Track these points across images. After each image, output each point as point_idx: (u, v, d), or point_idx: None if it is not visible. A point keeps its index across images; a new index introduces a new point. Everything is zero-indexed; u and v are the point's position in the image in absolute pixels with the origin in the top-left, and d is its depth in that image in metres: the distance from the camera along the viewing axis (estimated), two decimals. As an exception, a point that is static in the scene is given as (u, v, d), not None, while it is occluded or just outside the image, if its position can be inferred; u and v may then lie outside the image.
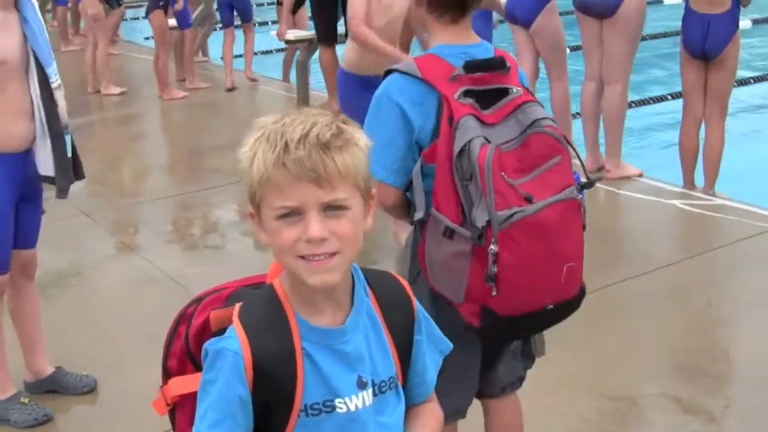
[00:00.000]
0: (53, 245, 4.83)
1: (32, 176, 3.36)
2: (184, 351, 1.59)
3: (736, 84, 6.96)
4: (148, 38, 11.73)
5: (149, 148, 7.96)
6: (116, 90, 9.42)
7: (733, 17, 5.53)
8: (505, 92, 2.29)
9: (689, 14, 5.64)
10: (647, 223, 5.47)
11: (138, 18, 14.00)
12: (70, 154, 3.40)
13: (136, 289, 4.71)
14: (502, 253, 2.15)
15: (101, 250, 5.31)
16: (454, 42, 2.37)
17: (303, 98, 8.37)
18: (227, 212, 6.02)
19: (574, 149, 2.27)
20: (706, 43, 5.55)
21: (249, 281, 1.62)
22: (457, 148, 2.19)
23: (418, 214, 2.29)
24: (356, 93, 4.32)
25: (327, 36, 7.47)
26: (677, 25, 5.97)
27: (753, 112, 9.06)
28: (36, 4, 3.37)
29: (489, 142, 2.17)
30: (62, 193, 3.43)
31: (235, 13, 9.32)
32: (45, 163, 3.33)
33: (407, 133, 2.33)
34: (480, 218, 2.16)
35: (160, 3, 8.81)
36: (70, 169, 3.42)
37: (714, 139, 5.73)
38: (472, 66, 2.28)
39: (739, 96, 8.95)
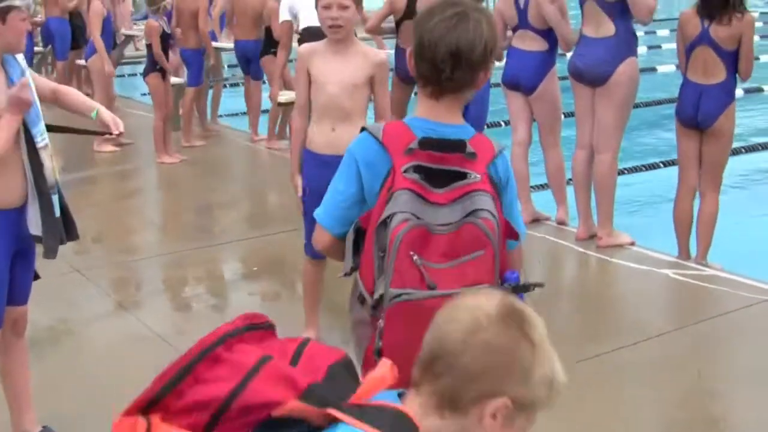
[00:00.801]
0: (45, 301, 4.82)
1: (26, 233, 3.39)
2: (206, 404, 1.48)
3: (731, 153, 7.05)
4: (144, 94, 11.80)
5: (143, 205, 8.00)
6: (109, 147, 9.46)
7: (726, 88, 5.60)
8: (463, 176, 2.32)
9: (685, 83, 5.73)
10: (638, 292, 5.49)
11: (136, 74, 14.10)
12: (58, 214, 3.43)
13: (127, 348, 4.70)
14: (385, 330, 2.25)
15: (93, 307, 5.31)
16: (430, 117, 2.41)
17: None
18: (221, 272, 6.04)
19: (496, 247, 2.31)
20: (698, 114, 5.63)
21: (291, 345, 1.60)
22: (381, 218, 2.28)
23: (345, 270, 2.41)
24: (312, 171, 4.32)
25: None
26: (672, 92, 6.07)
27: (746, 182, 9.12)
28: (23, 64, 3.40)
29: (419, 219, 2.24)
30: (49, 253, 3.44)
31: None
32: (34, 222, 3.37)
33: (356, 188, 2.42)
34: (377, 291, 2.26)
35: (157, 66, 8.89)
36: (59, 229, 3.44)
37: (708, 210, 5.78)
38: (425, 143, 2.33)
39: (732, 166, 9.06)
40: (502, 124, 9.60)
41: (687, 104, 5.69)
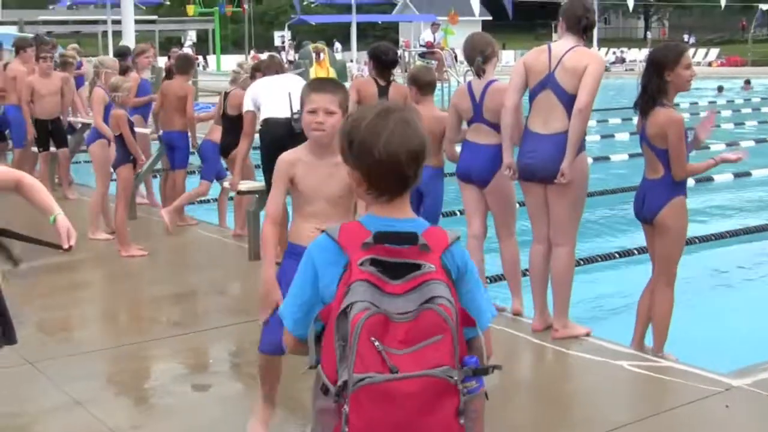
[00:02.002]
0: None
1: None
2: None
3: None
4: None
5: (100, 295, 7.95)
6: (103, 236, 9.44)
7: (667, 182, 5.67)
8: (417, 267, 2.44)
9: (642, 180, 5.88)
10: (595, 384, 5.54)
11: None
12: None
13: (79, 444, 4.64)
14: (351, 415, 2.34)
15: (45, 401, 5.24)
16: (383, 215, 2.55)
17: (255, 251, 8.42)
18: (173, 365, 6.00)
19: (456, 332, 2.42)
20: (644, 208, 5.76)
21: None
22: (340, 309, 2.39)
23: (310, 363, 2.51)
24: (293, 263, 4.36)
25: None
26: (626, 181, 6.20)
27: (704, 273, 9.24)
28: None
29: (377, 308, 2.36)
30: None
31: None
32: None
33: (314, 290, 2.54)
34: (341, 378, 2.37)
35: (130, 158, 8.87)
36: None
37: (661, 304, 5.84)
38: (380, 237, 2.46)
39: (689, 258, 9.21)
40: (458, 213, 9.70)
41: (637, 198, 5.84)
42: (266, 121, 7.84)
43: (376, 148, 2.48)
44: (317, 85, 4.32)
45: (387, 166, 2.49)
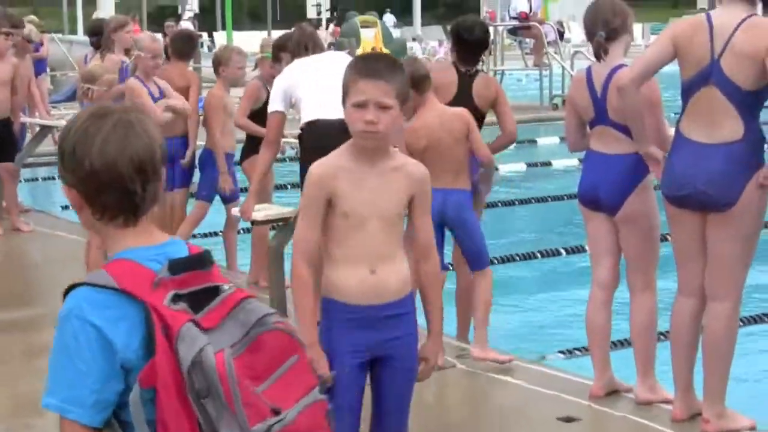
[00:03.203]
0: None
1: None
2: None
3: None
4: (66, 207, 11.82)
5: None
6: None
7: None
8: (215, 291, 2.64)
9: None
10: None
11: (54, 178, 14.09)
12: None
13: None
14: None
15: None
16: (143, 244, 2.70)
17: (279, 299, 8.41)
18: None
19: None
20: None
21: None
22: (187, 363, 2.49)
23: None
24: (343, 333, 4.35)
25: None
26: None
27: None
28: None
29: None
30: None
31: None
32: None
33: (107, 358, 2.58)
34: None
35: None
36: None
37: None
38: (177, 266, 2.62)
39: None
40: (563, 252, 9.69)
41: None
42: (312, 124, 7.50)
43: (87, 156, 2.61)
44: (366, 67, 4.29)
45: (105, 180, 2.62)
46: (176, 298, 2.57)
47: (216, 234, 11.11)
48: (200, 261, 2.67)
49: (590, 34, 6.48)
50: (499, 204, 13.43)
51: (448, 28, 7.84)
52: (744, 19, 5.73)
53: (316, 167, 4.31)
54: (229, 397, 2.47)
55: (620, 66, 6.26)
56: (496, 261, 10.90)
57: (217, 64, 9.71)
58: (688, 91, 5.92)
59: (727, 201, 5.78)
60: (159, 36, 11.87)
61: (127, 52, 11.28)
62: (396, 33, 41.22)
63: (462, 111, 7.23)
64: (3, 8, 14.49)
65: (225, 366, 2.48)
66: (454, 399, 7.10)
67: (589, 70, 6.50)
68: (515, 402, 6.79)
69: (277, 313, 2.64)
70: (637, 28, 56.64)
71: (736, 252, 5.89)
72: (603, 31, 6.31)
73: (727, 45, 5.73)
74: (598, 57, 6.40)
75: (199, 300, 2.60)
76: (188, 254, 2.69)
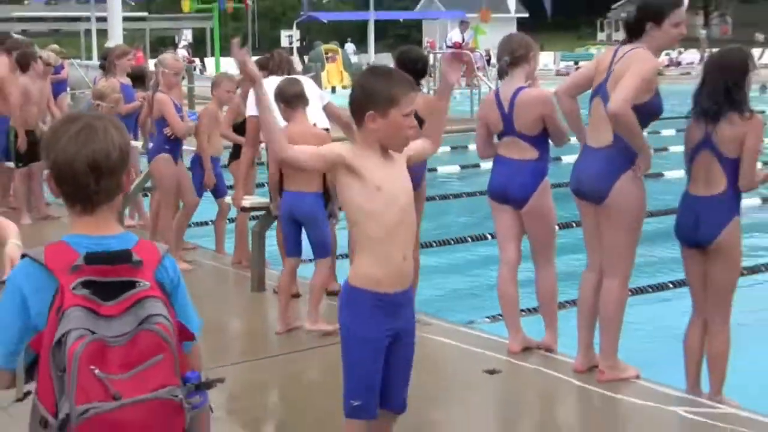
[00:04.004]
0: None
1: None
2: None
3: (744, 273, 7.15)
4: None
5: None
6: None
7: (728, 199, 5.77)
8: (131, 285, 2.62)
9: (684, 197, 5.93)
10: (646, 432, 5.55)
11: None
12: None
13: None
14: None
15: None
16: (88, 232, 2.72)
17: (258, 276, 8.45)
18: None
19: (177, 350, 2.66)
20: (699, 230, 5.79)
21: None
22: (55, 339, 2.52)
23: (18, 396, 2.66)
24: (380, 319, 4.13)
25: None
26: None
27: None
28: None
29: (94, 333, 2.52)
30: None
31: None
32: None
33: (24, 319, 2.65)
34: (62, 411, 2.51)
35: (166, 147, 9.08)
36: None
37: (718, 342, 5.88)
38: (92, 258, 2.61)
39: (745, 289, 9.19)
40: (489, 237, 9.73)
41: (684, 218, 5.88)
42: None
43: (54, 152, 2.68)
44: (409, 81, 4.14)
45: (65, 173, 2.67)
46: (87, 284, 2.57)
47: (207, 223, 11.09)
48: (116, 257, 2.64)
49: (499, 59, 6.64)
50: (437, 198, 13.59)
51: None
52: (626, 52, 5.84)
53: (340, 147, 4.09)
54: (69, 377, 2.49)
55: (521, 88, 6.42)
56: (434, 245, 11.00)
57: (212, 86, 9.72)
58: (589, 102, 6.05)
59: (600, 195, 5.90)
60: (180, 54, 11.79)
61: (130, 76, 11.28)
62: (354, 59, 41.11)
63: (320, 131, 7.32)
64: (17, 38, 14.39)
65: (74, 352, 2.49)
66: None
67: (497, 93, 6.59)
68: (450, 357, 6.82)
69: (161, 315, 2.61)
70: (549, 55, 56.91)
71: (620, 239, 5.96)
72: (507, 57, 6.45)
73: (611, 70, 5.86)
74: (501, 76, 6.59)
75: (112, 291, 2.59)
76: (111, 249, 2.65)
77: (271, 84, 7.82)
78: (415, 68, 7.26)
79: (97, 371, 2.49)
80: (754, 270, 9.91)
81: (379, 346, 4.09)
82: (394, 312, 4.09)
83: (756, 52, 55.25)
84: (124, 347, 2.55)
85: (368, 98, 3.99)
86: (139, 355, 2.56)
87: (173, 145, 9.30)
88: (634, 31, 5.91)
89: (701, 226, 5.77)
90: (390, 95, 3.95)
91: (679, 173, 13.27)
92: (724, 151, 5.70)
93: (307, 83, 7.88)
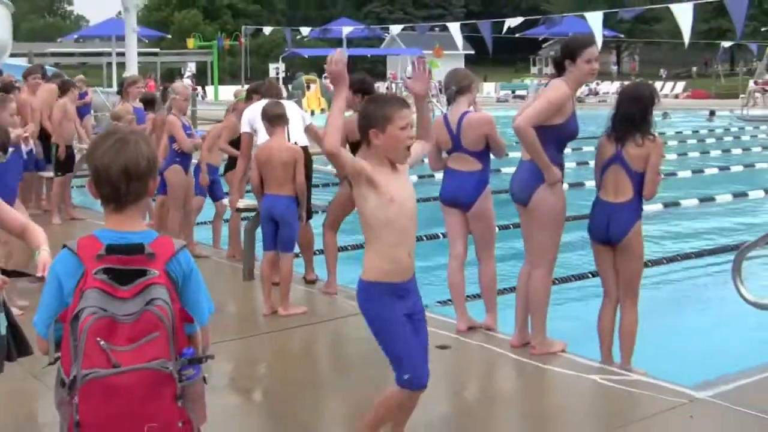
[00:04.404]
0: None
1: None
2: None
3: (650, 264, 7.19)
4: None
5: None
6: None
7: (634, 205, 5.79)
8: (143, 273, 2.67)
9: (596, 202, 5.93)
10: (569, 397, 5.56)
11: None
12: (3, 332, 3.44)
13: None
14: (80, 405, 2.58)
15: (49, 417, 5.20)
16: (116, 228, 2.77)
17: (249, 269, 8.42)
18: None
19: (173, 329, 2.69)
20: (609, 231, 5.80)
21: None
22: (74, 314, 2.62)
23: (50, 361, 2.74)
24: (395, 305, 4.02)
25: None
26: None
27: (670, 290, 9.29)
28: None
29: (105, 311, 2.59)
30: None
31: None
32: None
33: (59, 299, 2.72)
34: (72, 373, 2.60)
35: (177, 159, 9.01)
36: (3, 346, 3.44)
37: (627, 322, 5.91)
38: (111, 249, 2.68)
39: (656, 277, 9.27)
40: (440, 236, 9.72)
41: (596, 221, 5.89)
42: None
43: (94, 160, 2.73)
44: (401, 101, 4.06)
45: (102, 177, 2.72)
46: (107, 271, 2.65)
47: (206, 223, 11.00)
48: (132, 249, 2.68)
49: (446, 88, 6.64)
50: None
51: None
52: (546, 83, 5.92)
53: (363, 163, 3.97)
54: (78, 346, 2.58)
55: (467, 112, 6.45)
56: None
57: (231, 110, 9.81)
58: None
59: (524, 199, 5.95)
60: (186, 83, 11.74)
61: (142, 101, 11.19)
62: (330, 88, 41.00)
63: (294, 146, 7.38)
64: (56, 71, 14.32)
65: (84, 325, 2.57)
66: (355, 336, 7.08)
67: (445, 116, 6.59)
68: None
69: (161, 299, 2.64)
70: (491, 85, 57.12)
71: (542, 237, 6.00)
72: (454, 87, 6.46)
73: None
74: (449, 102, 6.59)
75: (128, 277, 2.65)
76: (128, 242, 2.71)
77: (261, 105, 7.88)
78: (362, 87, 7.50)
79: (102, 342, 2.56)
80: (656, 262, 9.98)
81: (404, 321, 3.99)
82: (405, 296, 4.00)
83: (658, 84, 56.04)
84: (131, 324, 2.61)
85: (369, 120, 3.98)
86: (141, 332, 2.61)
87: (183, 158, 9.25)
88: (559, 67, 5.95)
89: (611, 227, 5.79)
90: (384, 114, 3.93)
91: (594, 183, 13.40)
92: (632, 166, 5.73)
93: (290, 107, 7.97)
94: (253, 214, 8.49)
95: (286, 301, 7.25)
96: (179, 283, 2.76)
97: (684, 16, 18.64)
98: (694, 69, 66.43)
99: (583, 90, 53.55)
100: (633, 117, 5.73)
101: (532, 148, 5.78)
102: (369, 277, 4.02)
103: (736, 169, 19.47)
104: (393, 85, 33.56)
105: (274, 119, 7.23)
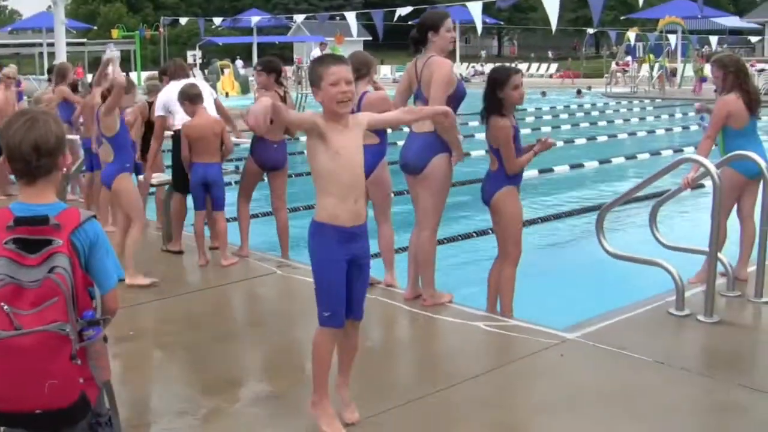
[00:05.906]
0: None
1: None
2: None
3: (526, 224, 7.29)
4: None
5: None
6: (145, 281, 6.88)
7: (500, 174, 5.83)
8: (48, 243, 2.63)
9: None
10: (456, 343, 5.62)
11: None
12: None
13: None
14: None
15: None
16: (28, 201, 2.74)
17: (167, 233, 8.27)
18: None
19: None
20: (483, 193, 5.91)
21: None
22: None
23: None
24: (342, 246, 3.90)
25: (183, 186, 7.73)
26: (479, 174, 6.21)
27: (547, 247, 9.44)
28: None
29: (12, 278, 2.57)
30: None
31: None
32: None
33: None
34: None
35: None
36: None
37: (506, 278, 6.01)
38: (19, 221, 2.65)
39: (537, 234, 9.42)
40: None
41: (482, 185, 5.99)
42: (183, 127, 7.48)
43: (6, 138, 2.71)
44: (332, 59, 3.89)
45: (15, 153, 2.70)
46: (17, 241, 2.61)
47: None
48: (38, 221, 2.64)
49: None
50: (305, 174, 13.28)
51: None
52: (425, 61, 5.91)
53: (316, 116, 3.85)
54: None
55: (366, 92, 6.38)
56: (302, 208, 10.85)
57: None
58: (414, 104, 6.00)
59: (419, 167, 5.95)
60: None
61: (70, 86, 10.75)
62: (242, 72, 40.41)
63: (217, 120, 7.55)
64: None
65: None
66: (266, 295, 7.00)
67: None
68: (311, 291, 6.76)
69: (61, 267, 2.61)
70: (387, 68, 57.03)
71: (430, 201, 6.01)
72: (354, 74, 6.36)
73: (420, 77, 5.94)
74: None
75: (36, 246, 2.62)
76: (36, 214, 2.66)
77: (174, 88, 7.69)
78: (269, 66, 7.69)
79: (6, 307, 2.54)
80: (532, 221, 10.15)
81: (341, 266, 3.87)
82: (350, 240, 3.87)
83: (534, 66, 56.87)
84: (35, 290, 2.58)
85: (310, 80, 3.94)
86: (42, 297, 2.59)
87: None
88: (421, 41, 5.93)
89: (484, 191, 5.95)
90: (318, 72, 3.81)
91: (480, 153, 13.54)
92: (490, 142, 5.79)
93: (202, 86, 7.94)
94: (167, 186, 8.36)
95: (225, 253, 7.48)
96: (85, 252, 2.72)
97: (551, 5, 18.98)
98: (564, 53, 67.57)
99: (469, 71, 54.11)
100: (489, 96, 5.78)
101: (452, 132, 5.79)
102: (319, 219, 3.92)
103: (602, 139, 19.94)
104: (298, 70, 33.19)
105: (196, 98, 7.33)
